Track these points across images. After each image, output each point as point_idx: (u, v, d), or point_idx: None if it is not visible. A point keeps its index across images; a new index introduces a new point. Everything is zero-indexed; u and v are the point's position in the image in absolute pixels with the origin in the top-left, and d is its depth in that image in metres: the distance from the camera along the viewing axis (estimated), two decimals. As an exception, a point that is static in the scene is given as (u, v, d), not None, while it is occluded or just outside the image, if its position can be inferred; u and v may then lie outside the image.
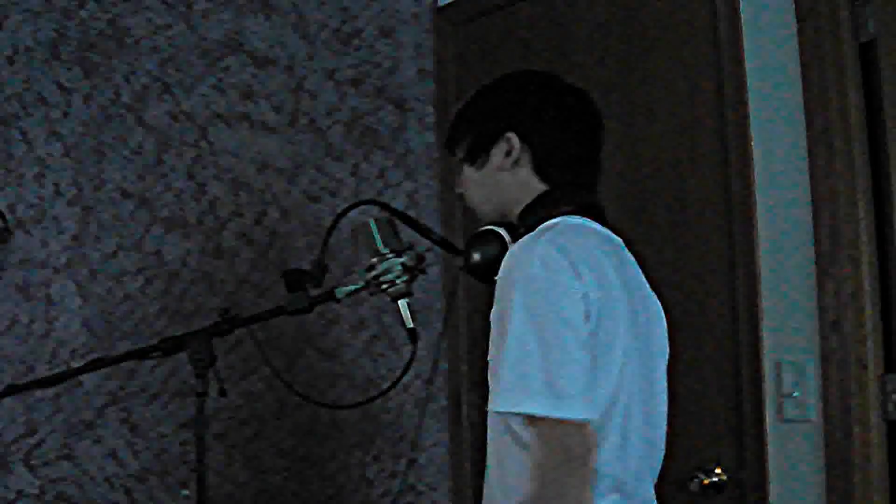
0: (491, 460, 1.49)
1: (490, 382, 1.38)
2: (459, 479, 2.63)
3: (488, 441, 1.49)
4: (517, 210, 1.56)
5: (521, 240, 1.45)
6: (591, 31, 2.38)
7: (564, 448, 1.30)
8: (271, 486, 2.41)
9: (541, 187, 1.56)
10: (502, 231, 1.57)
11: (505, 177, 1.57)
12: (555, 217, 1.51)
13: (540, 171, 1.56)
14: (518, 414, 1.34)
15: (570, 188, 1.56)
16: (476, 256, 1.57)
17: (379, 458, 2.55)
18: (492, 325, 1.40)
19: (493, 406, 1.36)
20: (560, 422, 1.30)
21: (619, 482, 1.43)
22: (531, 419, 1.33)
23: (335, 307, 2.45)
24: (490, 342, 1.40)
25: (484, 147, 1.58)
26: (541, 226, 1.50)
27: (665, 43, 2.22)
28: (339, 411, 2.48)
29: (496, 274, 1.44)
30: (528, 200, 1.55)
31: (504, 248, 1.53)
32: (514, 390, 1.33)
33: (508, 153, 1.56)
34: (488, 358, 1.41)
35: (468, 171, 1.61)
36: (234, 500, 2.36)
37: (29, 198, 2.21)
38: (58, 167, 2.24)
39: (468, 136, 1.61)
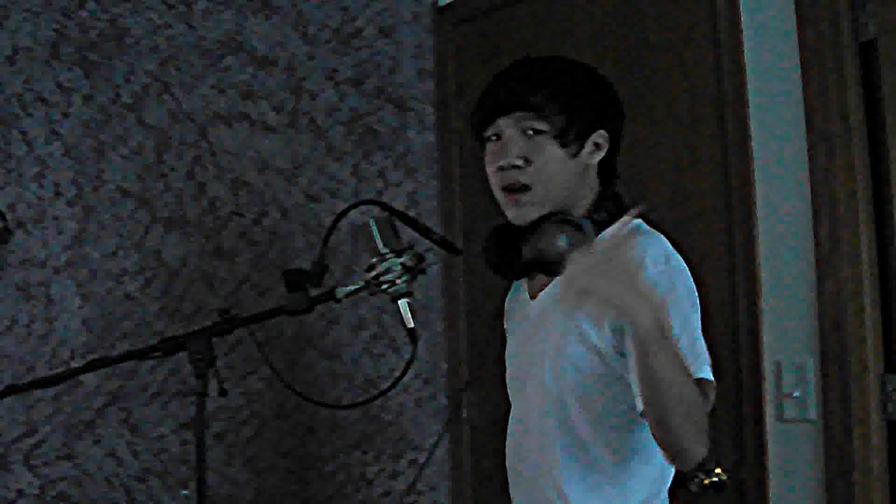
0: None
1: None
2: (459, 479, 2.63)
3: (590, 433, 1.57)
4: (575, 203, 1.60)
5: (652, 236, 1.56)
6: (591, 31, 2.38)
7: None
8: (271, 486, 2.41)
9: (596, 184, 1.63)
10: (586, 225, 1.56)
11: (586, 170, 1.61)
12: (622, 216, 1.57)
13: (603, 171, 1.64)
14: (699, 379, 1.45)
15: (617, 191, 1.66)
16: (562, 243, 1.53)
17: (379, 458, 2.55)
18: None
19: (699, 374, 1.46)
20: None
21: None
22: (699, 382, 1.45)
23: (335, 307, 2.45)
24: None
25: (580, 135, 1.59)
26: (634, 223, 1.54)
27: (665, 43, 2.22)
28: (339, 411, 2.48)
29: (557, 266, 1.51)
30: (589, 195, 1.62)
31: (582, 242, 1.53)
32: (699, 361, 1.47)
33: (597, 149, 1.61)
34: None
35: (553, 148, 1.57)
36: (234, 500, 2.36)
37: (29, 198, 2.21)
38: (58, 167, 2.24)
39: (564, 114, 1.57)
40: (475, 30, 2.68)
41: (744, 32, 2.06)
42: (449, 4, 2.73)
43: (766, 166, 2.02)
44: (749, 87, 2.04)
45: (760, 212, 2.02)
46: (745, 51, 2.05)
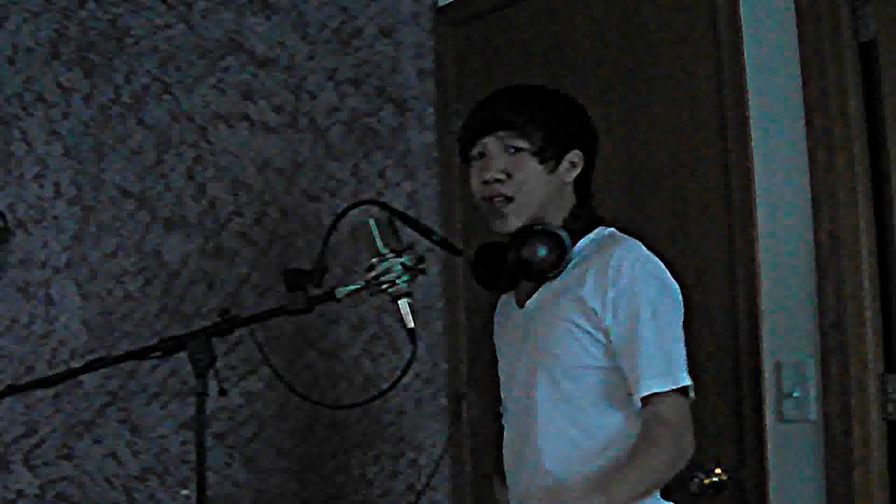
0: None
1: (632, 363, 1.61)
2: (459, 479, 2.63)
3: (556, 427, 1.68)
4: (552, 215, 1.73)
5: (624, 241, 1.68)
6: (591, 31, 2.38)
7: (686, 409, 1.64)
8: (271, 486, 2.41)
9: (572, 200, 1.76)
10: (563, 234, 1.69)
11: (562, 186, 1.75)
12: (596, 227, 1.76)
13: (578, 188, 1.77)
14: (674, 390, 1.60)
15: (591, 204, 1.80)
16: (542, 253, 1.69)
17: (379, 458, 2.55)
18: (610, 307, 1.62)
19: (651, 389, 1.59)
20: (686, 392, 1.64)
21: None
22: (667, 393, 1.60)
23: (335, 307, 2.44)
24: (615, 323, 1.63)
25: (557, 153, 1.73)
26: (606, 231, 1.75)
27: (665, 43, 2.22)
28: (339, 411, 2.48)
29: (545, 273, 1.69)
30: (565, 209, 1.75)
31: (561, 252, 1.68)
32: (670, 370, 1.61)
33: (572, 167, 1.75)
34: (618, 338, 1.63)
35: (533, 164, 1.71)
36: (234, 500, 2.36)
37: (29, 198, 2.21)
38: (58, 167, 2.24)
39: (542, 133, 1.71)
40: (475, 30, 2.68)
41: (744, 32, 2.06)
42: (449, 4, 2.72)
43: (766, 166, 2.02)
44: (749, 87, 2.04)
45: (760, 212, 2.02)
46: (745, 51, 2.05)
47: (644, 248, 1.68)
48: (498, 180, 1.71)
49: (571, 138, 1.75)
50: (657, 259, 1.68)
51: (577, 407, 1.67)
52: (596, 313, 1.64)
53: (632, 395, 1.62)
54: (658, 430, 1.59)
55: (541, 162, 1.71)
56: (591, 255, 1.70)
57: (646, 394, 1.60)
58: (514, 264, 1.70)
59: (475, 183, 1.76)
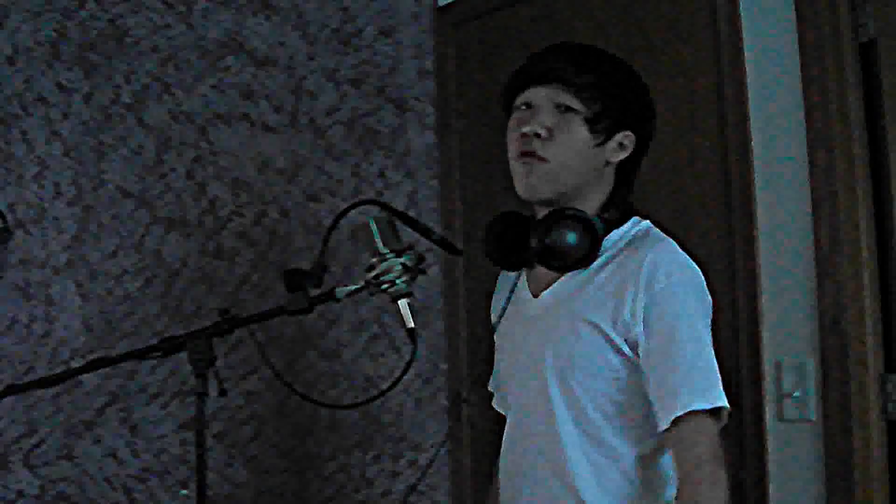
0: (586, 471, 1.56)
1: (659, 387, 1.48)
2: (459, 479, 2.63)
3: (576, 455, 1.56)
4: (586, 196, 1.60)
5: (660, 243, 1.56)
6: (591, 31, 2.38)
7: (717, 436, 1.47)
8: (271, 486, 2.41)
9: (611, 186, 1.63)
10: (598, 223, 1.57)
11: (605, 166, 1.61)
12: (630, 217, 1.63)
13: (621, 172, 1.64)
14: (705, 410, 1.45)
15: (629, 194, 1.67)
16: (572, 241, 1.56)
17: (379, 458, 2.55)
18: (644, 322, 1.49)
19: (689, 406, 1.44)
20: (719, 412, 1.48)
21: None
22: (697, 413, 1.45)
23: (335, 307, 2.45)
24: (647, 337, 1.50)
25: (610, 128, 1.59)
26: (642, 224, 1.62)
27: (665, 43, 2.22)
28: (339, 411, 2.48)
29: (570, 260, 1.56)
30: (602, 193, 1.62)
31: (594, 240, 1.55)
32: (705, 388, 1.47)
33: (620, 148, 1.62)
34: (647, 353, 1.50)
35: (582, 130, 1.57)
36: (234, 500, 2.36)
37: (29, 198, 2.21)
38: (58, 167, 2.24)
39: (600, 102, 1.57)
40: (475, 30, 2.68)
41: (744, 32, 2.06)
42: (449, 4, 2.73)
43: (766, 166, 2.02)
44: (749, 87, 2.04)
45: (760, 212, 2.02)
46: (745, 51, 2.05)
47: (680, 250, 1.55)
48: (538, 135, 1.56)
49: (629, 117, 1.60)
50: (693, 263, 1.55)
51: (595, 426, 1.55)
52: (625, 320, 1.51)
53: (655, 412, 1.48)
54: (701, 471, 1.43)
55: (590, 131, 1.57)
56: (624, 252, 1.57)
57: (682, 412, 1.44)
58: (537, 250, 1.57)
59: (512, 135, 1.61)
